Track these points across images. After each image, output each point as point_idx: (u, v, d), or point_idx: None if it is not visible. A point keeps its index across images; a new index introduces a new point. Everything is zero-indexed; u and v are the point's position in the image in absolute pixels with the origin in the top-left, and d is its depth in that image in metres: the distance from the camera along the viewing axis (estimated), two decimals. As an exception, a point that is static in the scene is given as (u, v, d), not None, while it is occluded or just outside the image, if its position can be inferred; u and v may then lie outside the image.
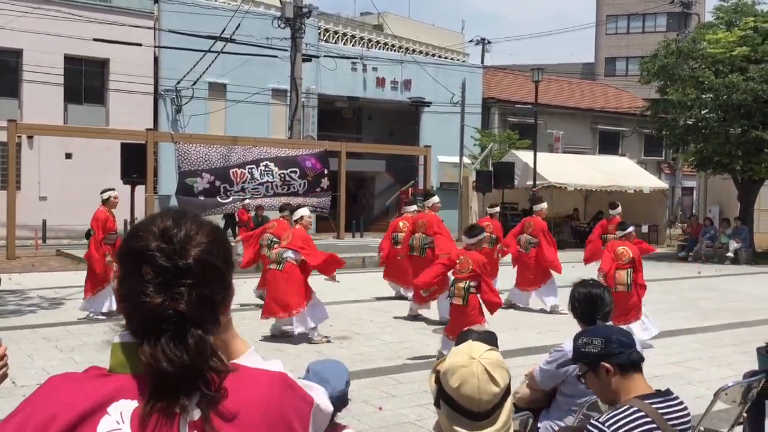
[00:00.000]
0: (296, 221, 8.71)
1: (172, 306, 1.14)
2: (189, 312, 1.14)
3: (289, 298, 8.18)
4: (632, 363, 2.48)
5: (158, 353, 1.12)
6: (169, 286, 1.15)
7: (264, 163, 18.45)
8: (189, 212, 1.28)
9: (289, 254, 8.29)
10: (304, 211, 8.81)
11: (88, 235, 9.80)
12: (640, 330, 7.79)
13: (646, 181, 25.03)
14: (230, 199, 17.96)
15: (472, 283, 7.05)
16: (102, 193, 9.91)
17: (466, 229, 7.70)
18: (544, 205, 11.39)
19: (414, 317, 9.87)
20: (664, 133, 23.98)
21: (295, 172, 18.86)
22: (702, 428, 3.99)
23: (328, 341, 8.30)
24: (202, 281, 1.18)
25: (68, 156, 22.14)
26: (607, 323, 3.54)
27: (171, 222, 1.22)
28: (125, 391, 1.14)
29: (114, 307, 9.37)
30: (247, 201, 17.18)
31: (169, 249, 1.18)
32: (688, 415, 2.44)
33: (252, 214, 16.84)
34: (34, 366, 6.94)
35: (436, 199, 10.89)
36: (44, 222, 20.94)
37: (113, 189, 10.05)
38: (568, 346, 3.65)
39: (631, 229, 8.73)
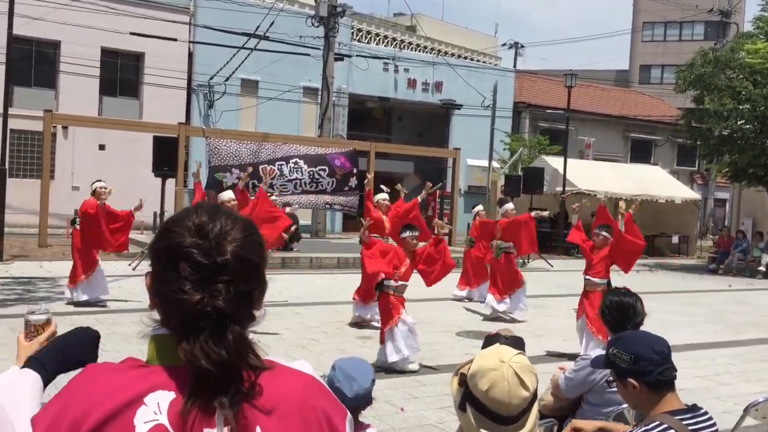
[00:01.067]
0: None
1: (211, 303, 1.13)
2: (227, 308, 1.13)
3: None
4: (662, 383, 2.40)
5: (197, 351, 1.11)
6: (206, 282, 1.14)
7: (293, 160, 18.54)
8: (222, 207, 1.26)
9: None
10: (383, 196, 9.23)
11: (73, 222, 10.01)
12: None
13: (678, 191, 24.69)
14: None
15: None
16: (92, 184, 10.05)
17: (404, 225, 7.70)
18: (508, 206, 11.04)
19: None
20: (698, 143, 23.65)
21: (324, 170, 18.91)
22: (730, 444, 3.92)
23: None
24: (239, 277, 1.16)
25: (101, 147, 22.45)
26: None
27: (206, 217, 1.20)
28: (162, 382, 1.14)
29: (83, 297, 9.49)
30: (274, 197, 17.27)
31: (205, 245, 1.16)
32: (717, 431, 2.39)
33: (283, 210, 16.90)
34: (62, 353, 7.03)
35: (510, 206, 10.87)
36: (76, 212, 21.24)
37: (100, 180, 10.18)
38: (594, 354, 3.60)
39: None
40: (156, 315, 1.20)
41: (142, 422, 1.10)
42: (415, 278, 7.23)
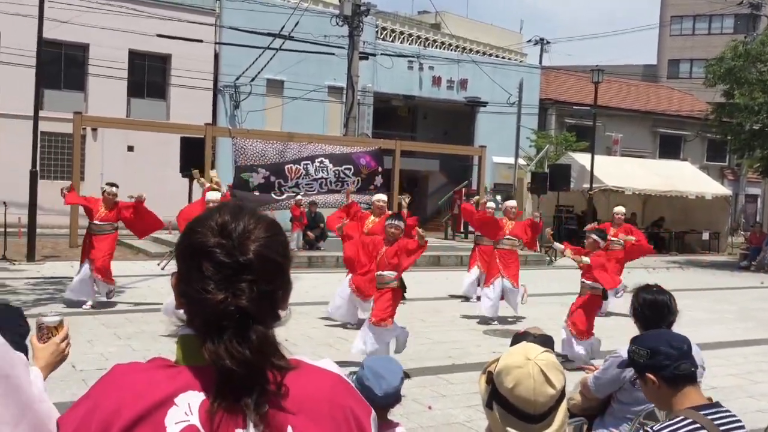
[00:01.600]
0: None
1: (234, 302, 1.13)
2: (251, 308, 1.13)
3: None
4: (679, 377, 2.38)
5: (221, 350, 1.11)
6: (230, 282, 1.14)
7: (319, 159, 18.59)
8: (246, 206, 1.26)
9: None
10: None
11: None
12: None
13: (708, 186, 24.32)
14: (284, 195, 18.17)
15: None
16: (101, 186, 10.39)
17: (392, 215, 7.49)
18: (510, 203, 10.78)
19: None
20: (728, 137, 23.30)
21: (350, 169, 18.94)
22: (764, 443, 3.85)
23: None
24: (262, 276, 1.16)
25: (130, 149, 22.73)
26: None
27: (229, 217, 1.20)
28: (192, 382, 1.14)
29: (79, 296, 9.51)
30: (299, 197, 17.36)
31: (228, 244, 1.16)
32: (743, 427, 2.35)
33: (305, 209, 17.01)
34: (94, 351, 7.13)
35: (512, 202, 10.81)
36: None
37: (109, 184, 10.34)
38: (624, 353, 3.56)
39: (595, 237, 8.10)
40: (183, 314, 1.21)
41: (173, 423, 1.10)
42: (439, 276, 7.18)
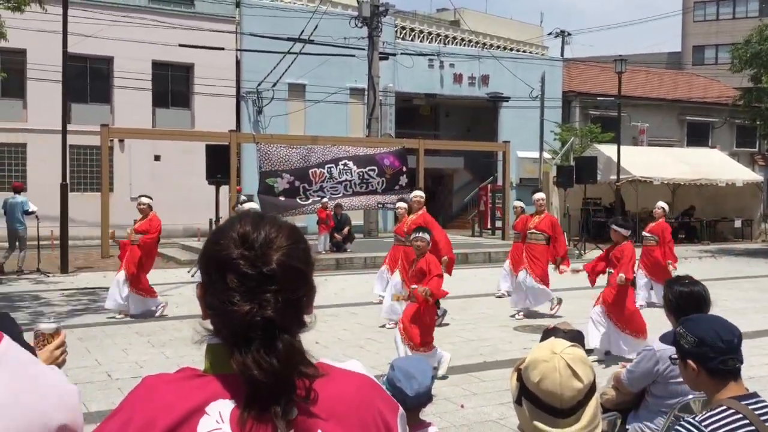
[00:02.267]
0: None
1: (260, 313, 1.13)
2: (277, 318, 1.14)
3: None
4: (722, 372, 2.33)
5: (249, 361, 1.12)
6: (254, 293, 1.14)
7: (343, 162, 18.65)
8: (266, 214, 1.27)
9: None
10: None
11: None
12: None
13: (738, 173, 23.94)
14: (309, 201, 18.25)
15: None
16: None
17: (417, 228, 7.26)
18: (537, 195, 10.66)
19: None
20: (758, 123, 22.92)
21: (374, 170, 18.98)
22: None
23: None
24: (286, 286, 1.16)
25: (157, 158, 23.01)
26: None
27: (250, 227, 1.20)
28: (222, 391, 1.15)
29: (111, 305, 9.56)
30: (325, 200, 17.43)
31: (251, 255, 1.17)
32: None
33: (332, 212, 17.07)
34: (128, 360, 7.23)
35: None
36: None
37: (145, 196, 10.56)
38: (657, 346, 3.53)
39: (617, 228, 7.95)
40: (209, 324, 1.22)
41: (205, 431, 1.12)
42: (467, 274, 7.17)
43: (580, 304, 10.54)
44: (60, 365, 1.92)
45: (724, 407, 2.25)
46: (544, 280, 9.92)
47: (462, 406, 5.74)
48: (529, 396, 1.84)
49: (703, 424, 2.22)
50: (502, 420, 5.38)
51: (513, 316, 9.74)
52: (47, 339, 1.92)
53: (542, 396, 1.80)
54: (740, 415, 2.22)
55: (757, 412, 2.25)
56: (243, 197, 16.44)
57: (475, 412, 5.63)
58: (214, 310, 1.18)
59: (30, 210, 13.93)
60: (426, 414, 3.14)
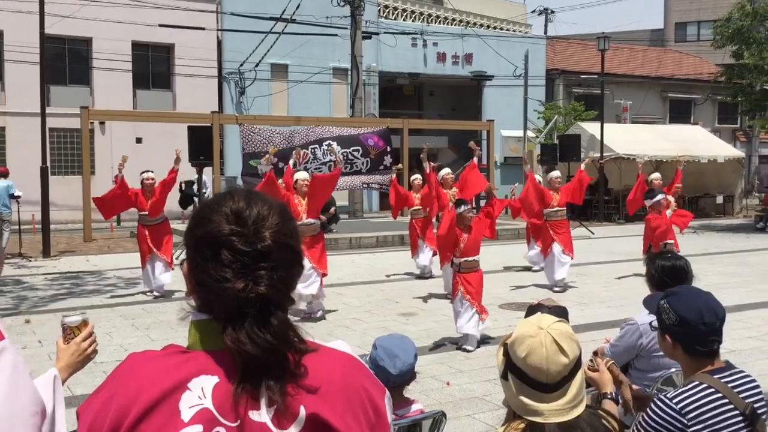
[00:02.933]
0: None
1: (255, 290, 1.14)
2: (271, 294, 1.14)
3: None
4: (699, 352, 2.33)
5: (243, 337, 1.12)
6: (248, 269, 1.15)
7: (327, 143, 18.57)
8: (255, 192, 1.26)
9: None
10: (298, 175, 8.74)
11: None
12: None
13: (720, 149, 24.09)
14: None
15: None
16: (140, 174, 10.74)
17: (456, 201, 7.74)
18: (554, 173, 11.03)
19: None
20: (739, 99, 23.05)
21: (358, 150, 18.90)
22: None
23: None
24: (281, 263, 1.17)
25: (139, 141, 22.78)
26: None
27: (243, 203, 1.20)
28: (205, 367, 1.15)
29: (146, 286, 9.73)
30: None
31: (245, 232, 1.17)
32: (758, 387, 2.33)
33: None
34: (113, 343, 7.21)
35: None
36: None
37: (149, 171, 10.50)
38: (641, 319, 3.55)
39: (659, 197, 8.40)
40: (192, 301, 1.21)
41: (187, 407, 1.12)
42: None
43: (575, 281, 10.63)
44: (90, 357, 1.92)
45: (697, 383, 2.27)
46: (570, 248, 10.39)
47: (448, 384, 5.77)
48: (516, 371, 1.84)
49: (674, 401, 2.23)
50: (488, 396, 5.42)
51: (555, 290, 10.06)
52: (74, 331, 1.90)
53: (529, 371, 1.81)
54: (712, 389, 2.24)
55: (730, 385, 2.27)
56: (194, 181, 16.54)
57: (461, 389, 5.66)
58: (206, 286, 1.17)
59: (16, 194, 13.89)
60: (412, 392, 3.15)
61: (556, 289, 10.09)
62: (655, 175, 11.83)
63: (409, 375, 2.82)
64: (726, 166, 23.56)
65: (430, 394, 5.49)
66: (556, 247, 10.20)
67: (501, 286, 10.37)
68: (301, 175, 8.72)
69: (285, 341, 1.14)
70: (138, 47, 22.97)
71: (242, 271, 1.14)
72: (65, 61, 22.55)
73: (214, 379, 1.14)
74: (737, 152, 25.39)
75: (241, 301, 1.13)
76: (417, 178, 11.62)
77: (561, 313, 2.75)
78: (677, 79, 33.38)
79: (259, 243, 1.16)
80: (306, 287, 7.99)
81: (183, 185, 19.20)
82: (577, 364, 1.85)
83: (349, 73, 22.01)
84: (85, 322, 1.92)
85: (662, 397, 2.29)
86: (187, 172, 17.78)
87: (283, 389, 1.13)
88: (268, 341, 1.12)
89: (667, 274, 3.53)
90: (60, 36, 20.82)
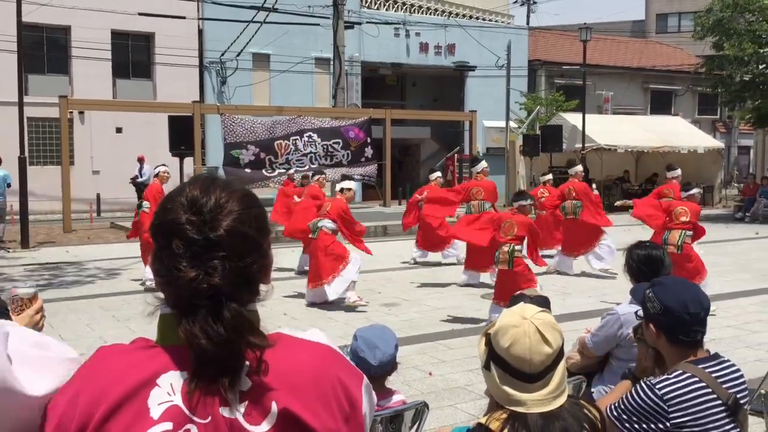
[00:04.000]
0: (340, 191, 8.76)
1: (206, 280, 1.10)
2: (223, 286, 1.10)
3: (321, 268, 8.22)
4: (683, 342, 2.34)
5: (197, 330, 1.09)
6: (201, 259, 1.11)
7: (308, 134, 18.51)
8: (219, 178, 1.22)
9: (325, 223, 8.36)
10: (348, 184, 8.82)
11: (140, 206, 10.05)
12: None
13: (700, 140, 24.29)
14: (276, 172, 18.10)
15: (517, 247, 7.01)
16: (155, 168, 10.26)
17: (515, 193, 7.70)
18: (578, 167, 11.27)
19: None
20: (719, 90, 23.24)
21: (338, 143, 18.85)
22: (763, 391, 3.88)
23: (364, 303, 8.31)
24: (235, 253, 1.13)
25: (119, 130, 22.55)
26: None
27: (199, 191, 1.17)
28: (173, 362, 1.12)
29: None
30: (292, 171, 17.28)
31: (198, 221, 1.13)
32: (742, 377, 2.35)
33: (298, 184, 16.91)
34: (93, 335, 7.14)
35: (484, 163, 11.03)
36: (98, 195, 21.47)
37: (164, 165, 10.31)
38: (622, 310, 3.57)
39: (694, 191, 8.51)
40: (161, 294, 1.18)
41: (156, 404, 1.09)
42: (433, 255, 7.21)
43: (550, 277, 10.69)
44: (40, 329, 1.90)
45: (681, 371, 2.28)
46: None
47: (430, 374, 5.78)
48: (499, 361, 1.84)
49: (658, 386, 2.25)
50: (470, 386, 5.43)
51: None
52: (25, 303, 1.90)
53: (512, 361, 1.80)
54: (696, 379, 2.25)
55: (714, 375, 2.28)
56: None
57: (443, 379, 5.67)
58: (161, 276, 1.14)
59: (10, 183, 13.97)
60: (393, 382, 3.14)
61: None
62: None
63: (390, 366, 2.80)
64: (706, 156, 23.77)
65: (412, 384, 5.49)
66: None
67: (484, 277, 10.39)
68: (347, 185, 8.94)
69: (238, 335, 1.10)
70: (117, 36, 22.68)
71: (194, 260, 1.11)
72: (43, 49, 22.22)
73: (183, 375, 1.11)
74: (717, 143, 25.62)
75: (193, 291, 1.10)
76: (438, 176, 11.92)
77: (543, 302, 2.75)
78: (658, 70, 33.58)
79: (211, 232, 1.12)
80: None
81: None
82: (560, 353, 1.85)
83: (332, 63, 21.89)
84: (35, 295, 1.92)
85: (647, 382, 2.30)
86: (168, 162, 17.65)
87: (240, 386, 1.10)
88: (221, 335, 1.08)
89: (643, 262, 3.55)
90: (38, 24, 20.50)
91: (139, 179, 19.79)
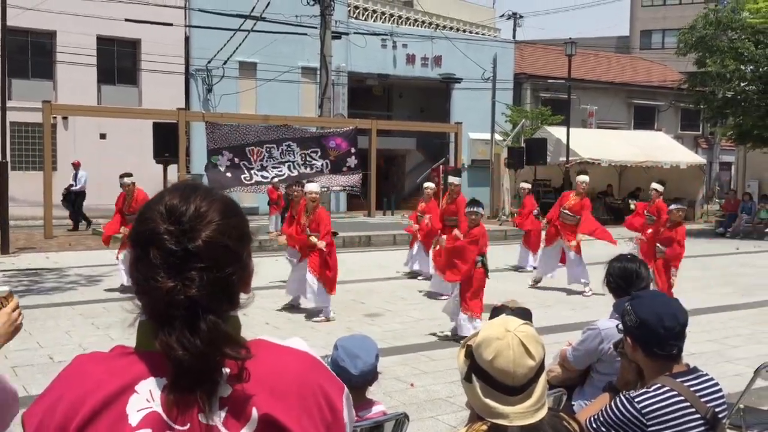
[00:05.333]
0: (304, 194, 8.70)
1: (184, 292, 1.08)
2: (200, 297, 1.09)
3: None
4: (658, 356, 2.35)
5: (173, 341, 1.08)
6: (179, 270, 1.09)
7: (287, 143, 18.48)
8: (200, 186, 1.21)
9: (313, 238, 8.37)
10: (309, 187, 8.71)
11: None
12: None
13: (682, 156, 24.54)
14: (253, 180, 18.09)
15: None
16: (119, 177, 10.31)
17: (468, 202, 7.89)
18: (583, 177, 11.17)
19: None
20: (701, 106, 23.48)
21: (316, 152, 18.78)
22: (742, 406, 3.91)
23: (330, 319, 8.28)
24: (214, 264, 1.11)
25: (102, 136, 22.40)
26: None
27: (178, 200, 1.15)
28: (152, 369, 1.11)
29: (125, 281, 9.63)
30: (276, 180, 17.24)
31: (177, 231, 1.11)
32: (720, 391, 2.37)
33: (282, 192, 16.90)
34: (72, 342, 7.06)
35: (456, 180, 11.24)
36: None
37: (129, 175, 10.23)
38: (602, 324, 3.58)
39: (672, 207, 8.58)
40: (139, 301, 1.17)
41: (134, 410, 1.08)
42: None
43: (526, 282, 10.72)
44: (19, 328, 1.88)
45: (659, 385, 2.30)
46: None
47: (412, 385, 5.76)
48: (481, 374, 1.83)
49: (636, 400, 2.26)
50: (452, 398, 5.42)
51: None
52: (2, 302, 1.87)
53: (495, 374, 1.79)
54: (674, 392, 2.27)
55: (693, 389, 2.30)
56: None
57: (425, 390, 5.66)
58: (139, 286, 1.13)
59: None
60: (375, 393, 3.12)
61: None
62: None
63: (371, 375, 2.79)
64: (688, 172, 24.01)
65: (393, 395, 5.47)
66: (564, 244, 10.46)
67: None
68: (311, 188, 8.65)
69: (214, 348, 1.09)
70: (103, 42, 22.58)
71: (172, 271, 1.09)
72: (28, 54, 22.07)
73: (162, 382, 1.10)
74: (699, 159, 25.88)
75: (169, 302, 1.08)
76: (432, 186, 11.76)
77: (524, 314, 2.75)
78: (642, 85, 33.92)
79: (189, 243, 1.11)
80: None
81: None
82: (542, 366, 1.85)
83: (318, 72, 21.90)
84: (11, 294, 1.90)
85: (626, 395, 2.32)
86: (152, 169, 17.55)
87: (217, 397, 1.09)
88: (197, 347, 1.07)
89: (618, 275, 3.57)
90: (23, 28, 20.38)
91: (74, 187, 18.82)
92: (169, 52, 22.62)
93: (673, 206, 8.50)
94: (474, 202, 7.56)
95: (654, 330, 2.33)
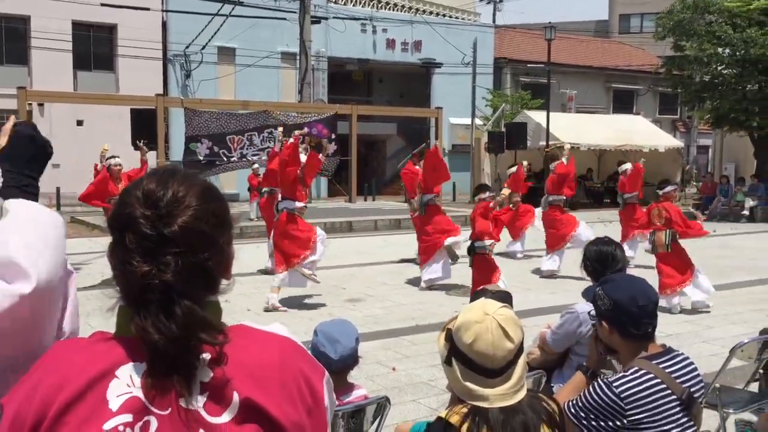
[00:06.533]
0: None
1: (158, 276, 1.09)
2: (175, 282, 1.09)
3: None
4: (634, 335, 2.40)
5: (149, 326, 1.08)
6: (154, 255, 1.10)
7: (268, 130, 18.40)
8: (179, 170, 1.20)
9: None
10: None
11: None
12: (693, 291, 7.99)
13: (660, 139, 24.73)
14: (231, 165, 18.01)
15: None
16: (106, 159, 10.14)
17: (476, 187, 7.91)
18: (627, 166, 11.60)
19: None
20: (679, 90, 23.67)
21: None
22: (717, 385, 3.98)
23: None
24: (190, 249, 1.11)
25: (80, 123, 22.13)
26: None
27: (155, 184, 1.15)
28: (132, 354, 1.11)
29: None
30: (255, 165, 17.14)
31: (153, 215, 1.11)
32: (696, 371, 2.42)
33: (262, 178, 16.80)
34: (51, 331, 7.00)
35: None
36: (58, 189, 21.04)
37: (116, 156, 10.22)
38: (581, 308, 3.62)
39: (669, 188, 8.70)
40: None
41: (114, 395, 1.08)
42: (400, 240, 7.28)
43: (521, 267, 10.79)
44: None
45: (636, 368, 2.34)
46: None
47: (393, 369, 5.80)
48: (461, 357, 1.85)
49: (614, 384, 2.31)
50: (433, 381, 5.47)
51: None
52: None
53: (474, 357, 1.82)
54: (651, 375, 2.31)
55: (668, 370, 2.35)
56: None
57: (407, 374, 5.70)
58: (116, 270, 1.14)
59: None
60: (357, 377, 3.14)
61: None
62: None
63: (351, 359, 2.81)
64: (666, 155, 24.21)
65: (375, 379, 5.51)
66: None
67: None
68: None
69: (190, 332, 1.09)
70: (79, 27, 22.25)
71: (147, 256, 1.10)
72: (2, 39, 21.71)
73: (142, 367, 1.10)
74: (677, 142, 26.11)
75: (143, 287, 1.09)
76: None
77: (505, 297, 2.78)
78: (620, 69, 34.09)
79: (165, 228, 1.11)
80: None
81: None
82: (521, 348, 1.88)
83: (298, 57, 21.78)
84: None
85: (604, 380, 2.36)
86: (131, 156, 17.39)
87: (195, 382, 1.10)
88: (172, 331, 1.08)
89: (595, 259, 3.61)
90: (-5, 13, 20.05)
91: None
92: (147, 37, 22.35)
93: (669, 187, 8.65)
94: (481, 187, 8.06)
95: (628, 310, 2.38)
